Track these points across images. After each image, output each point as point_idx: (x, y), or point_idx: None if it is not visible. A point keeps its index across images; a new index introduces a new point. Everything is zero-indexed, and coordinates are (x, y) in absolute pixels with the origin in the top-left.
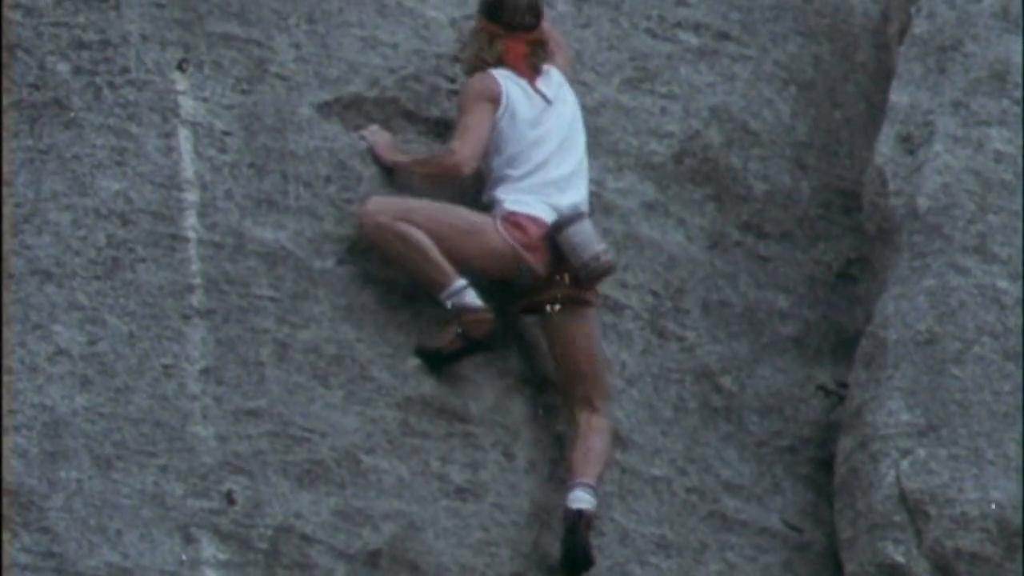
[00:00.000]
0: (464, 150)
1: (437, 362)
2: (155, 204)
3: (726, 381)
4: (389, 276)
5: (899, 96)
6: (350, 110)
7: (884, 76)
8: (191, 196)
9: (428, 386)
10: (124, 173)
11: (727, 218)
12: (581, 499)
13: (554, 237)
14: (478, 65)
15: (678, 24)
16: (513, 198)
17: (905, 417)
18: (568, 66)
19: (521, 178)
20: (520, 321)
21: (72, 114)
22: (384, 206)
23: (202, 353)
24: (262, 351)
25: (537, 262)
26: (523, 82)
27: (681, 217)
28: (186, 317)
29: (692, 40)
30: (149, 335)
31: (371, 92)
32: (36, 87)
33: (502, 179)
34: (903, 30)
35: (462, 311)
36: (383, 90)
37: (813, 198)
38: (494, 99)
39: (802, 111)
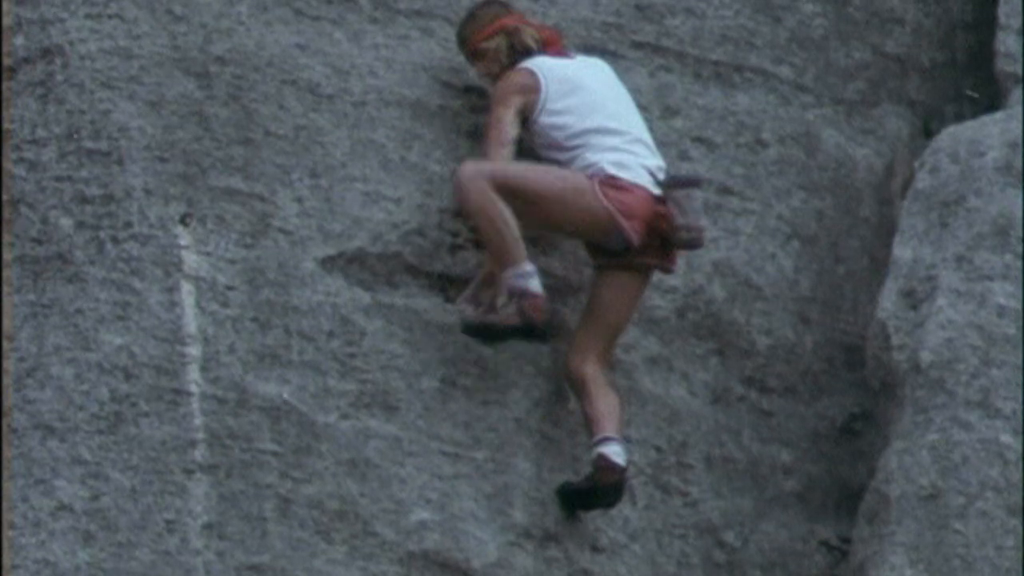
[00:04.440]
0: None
1: (489, 336)
2: (158, 358)
3: (729, 536)
4: (392, 431)
5: (902, 251)
6: (353, 265)
7: (887, 231)
8: (194, 350)
9: (431, 541)
10: (127, 327)
11: (730, 373)
12: (621, 454)
13: (672, 190)
14: (512, 60)
15: None
16: (612, 159)
17: (908, 573)
18: None
19: (604, 134)
20: (520, 471)
21: (75, 269)
22: (481, 169)
23: (205, 508)
24: (265, 506)
25: (633, 230)
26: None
27: (684, 372)
28: (189, 472)
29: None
30: (152, 490)
31: (375, 247)
32: (39, 241)
33: (581, 139)
34: (906, 185)
35: (522, 295)
36: (387, 245)
37: (816, 352)
38: (532, 90)
39: (805, 265)
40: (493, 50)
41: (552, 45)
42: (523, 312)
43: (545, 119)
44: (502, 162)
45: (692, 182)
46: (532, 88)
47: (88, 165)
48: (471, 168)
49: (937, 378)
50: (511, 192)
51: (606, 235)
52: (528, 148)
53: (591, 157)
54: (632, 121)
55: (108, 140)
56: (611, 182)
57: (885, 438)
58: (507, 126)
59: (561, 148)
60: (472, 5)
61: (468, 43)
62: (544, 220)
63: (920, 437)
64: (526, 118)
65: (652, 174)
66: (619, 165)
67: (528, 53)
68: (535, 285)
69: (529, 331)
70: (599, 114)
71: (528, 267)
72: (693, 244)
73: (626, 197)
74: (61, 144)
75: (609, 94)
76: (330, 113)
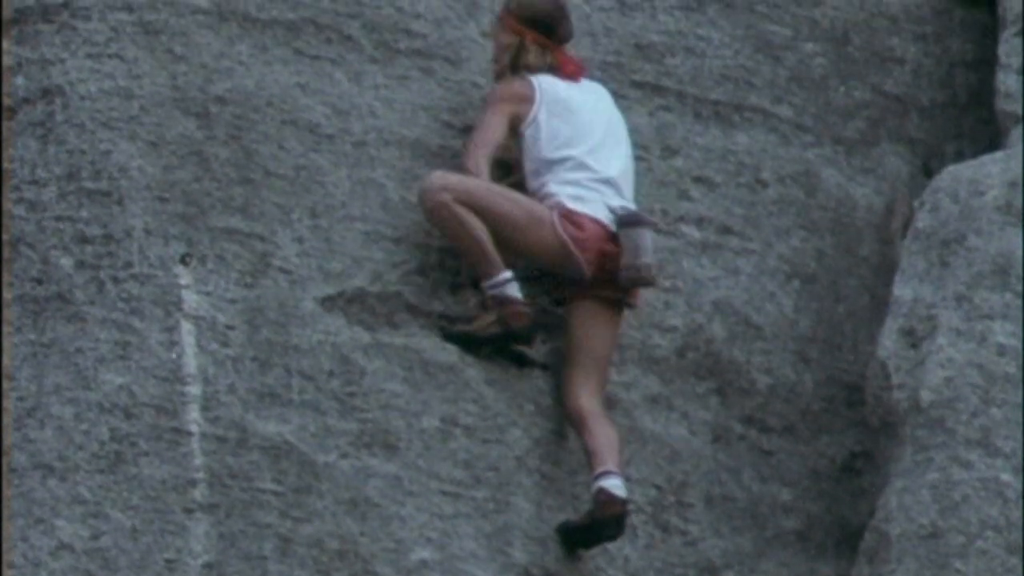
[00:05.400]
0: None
1: (471, 346)
2: (158, 398)
3: None
4: (392, 471)
5: (902, 290)
6: (353, 304)
7: (887, 270)
8: (194, 390)
9: None
10: (127, 367)
11: (730, 412)
12: (621, 487)
13: (618, 231)
14: (518, 70)
15: (681, 218)
16: (571, 193)
17: None
18: None
19: (572, 168)
20: (520, 510)
21: (75, 308)
22: (447, 183)
23: (205, 547)
24: (265, 545)
25: (587, 264)
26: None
27: (684, 411)
28: (189, 511)
29: (695, 234)
30: (152, 529)
31: (374, 286)
32: (39, 281)
33: (549, 168)
34: (906, 224)
35: (503, 302)
36: (386, 284)
37: (816, 392)
38: (525, 100)
39: (805, 305)
40: (506, 42)
41: (567, 72)
42: (504, 320)
43: (531, 133)
44: (478, 163)
45: (636, 221)
46: (526, 98)
47: (88, 205)
48: (435, 181)
49: (937, 417)
50: (473, 209)
51: (561, 265)
52: (515, 160)
53: (553, 188)
54: (611, 160)
55: (108, 180)
56: (568, 215)
57: (885, 477)
58: (493, 129)
59: (533, 163)
60: None
61: (504, 9)
62: (502, 242)
63: (920, 476)
64: (516, 126)
65: (614, 212)
66: (577, 199)
67: (529, 71)
68: (513, 291)
69: (513, 338)
70: (581, 146)
71: (504, 275)
72: (639, 283)
73: (580, 233)
74: (61, 184)
75: (600, 129)
76: (330, 153)
